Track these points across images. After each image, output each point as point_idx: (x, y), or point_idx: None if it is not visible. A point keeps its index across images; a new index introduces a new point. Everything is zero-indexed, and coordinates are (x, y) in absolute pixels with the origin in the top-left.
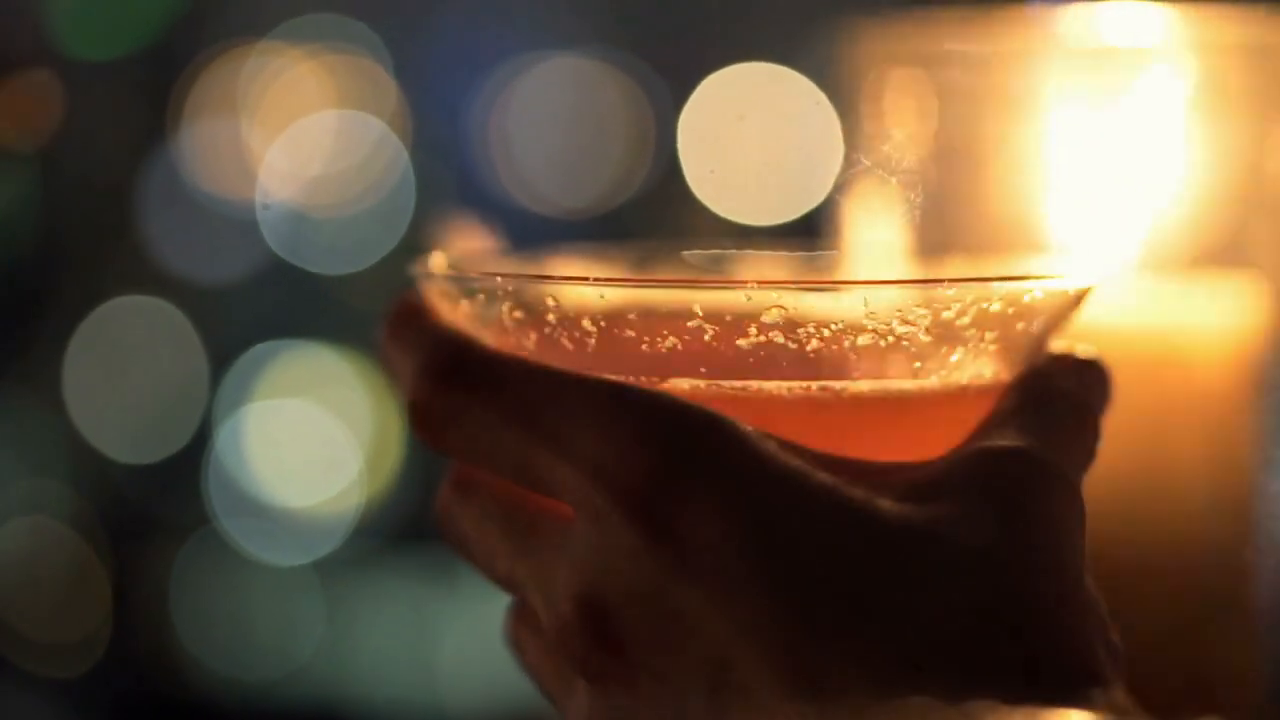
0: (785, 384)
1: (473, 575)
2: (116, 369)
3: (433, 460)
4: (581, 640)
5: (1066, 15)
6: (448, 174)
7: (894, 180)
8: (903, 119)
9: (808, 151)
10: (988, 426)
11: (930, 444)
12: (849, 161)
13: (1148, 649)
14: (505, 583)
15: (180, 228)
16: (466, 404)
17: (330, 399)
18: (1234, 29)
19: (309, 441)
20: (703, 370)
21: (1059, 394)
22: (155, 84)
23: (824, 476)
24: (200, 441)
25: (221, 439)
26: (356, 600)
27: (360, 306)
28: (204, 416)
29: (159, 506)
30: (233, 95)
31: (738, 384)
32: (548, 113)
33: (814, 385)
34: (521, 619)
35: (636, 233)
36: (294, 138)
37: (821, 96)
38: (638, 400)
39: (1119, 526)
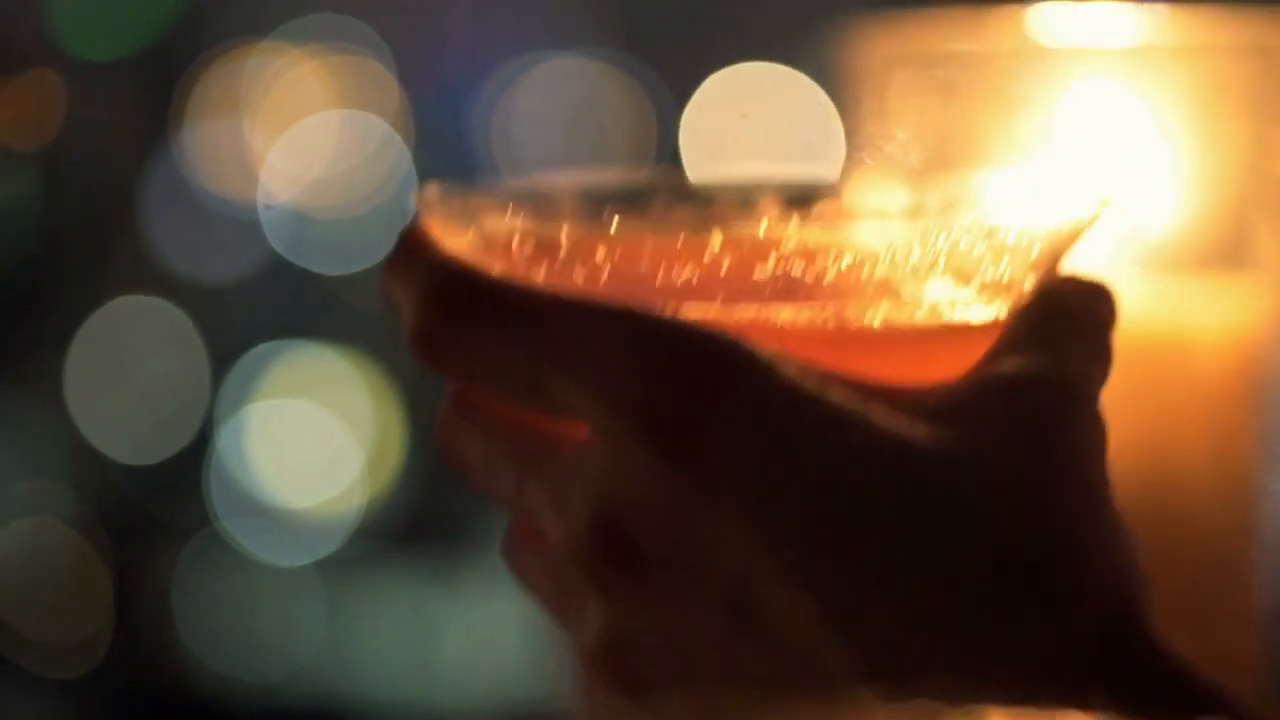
0: (800, 314)
1: (474, 575)
2: (118, 370)
3: (435, 461)
4: (596, 555)
5: (1068, 15)
6: (450, 174)
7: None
8: (905, 119)
9: (809, 151)
10: (1001, 351)
11: (945, 374)
12: (851, 161)
13: None
14: (510, 502)
15: (182, 228)
16: (474, 327)
17: (332, 399)
18: (1235, 30)
19: (311, 442)
20: (718, 302)
21: (1070, 316)
22: (157, 84)
23: (847, 398)
24: (202, 442)
25: (223, 439)
26: (358, 600)
27: (362, 307)
28: (206, 417)
29: (161, 507)
30: (235, 95)
31: (752, 314)
32: (550, 113)
33: (829, 316)
34: (523, 540)
35: None
36: (296, 138)
37: (823, 96)
38: (656, 321)
39: (1133, 525)
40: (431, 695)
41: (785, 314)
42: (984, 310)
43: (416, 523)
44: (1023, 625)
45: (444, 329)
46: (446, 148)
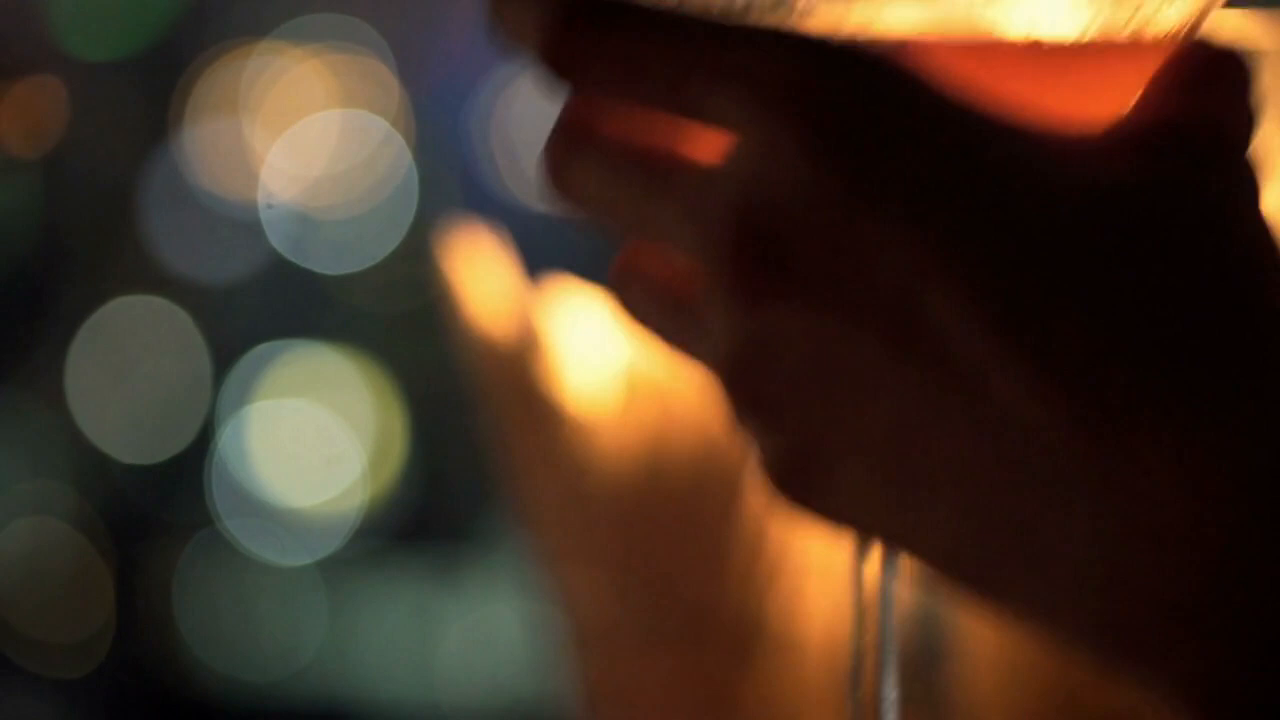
0: (947, 36)
1: (476, 574)
2: (119, 369)
3: (435, 460)
4: (741, 257)
5: None
6: (450, 173)
7: None
8: None
9: None
10: (1148, 99)
11: (1097, 105)
12: None
13: None
14: (633, 227)
15: (183, 228)
16: (616, 31)
17: (333, 399)
18: (1234, 33)
19: (312, 441)
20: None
21: (1215, 73)
22: (158, 84)
23: (1008, 117)
24: (203, 441)
25: (224, 439)
26: (359, 600)
27: (363, 306)
28: (207, 416)
29: (162, 507)
30: (235, 95)
31: (901, 39)
32: (550, 112)
33: (969, 27)
34: (634, 268)
35: None
36: (297, 137)
37: None
38: (810, 36)
39: None
40: (433, 694)
41: (934, 35)
42: (1127, 43)
43: (417, 522)
44: (1219, 353)
45: (581, 38)
46: (446, 147)
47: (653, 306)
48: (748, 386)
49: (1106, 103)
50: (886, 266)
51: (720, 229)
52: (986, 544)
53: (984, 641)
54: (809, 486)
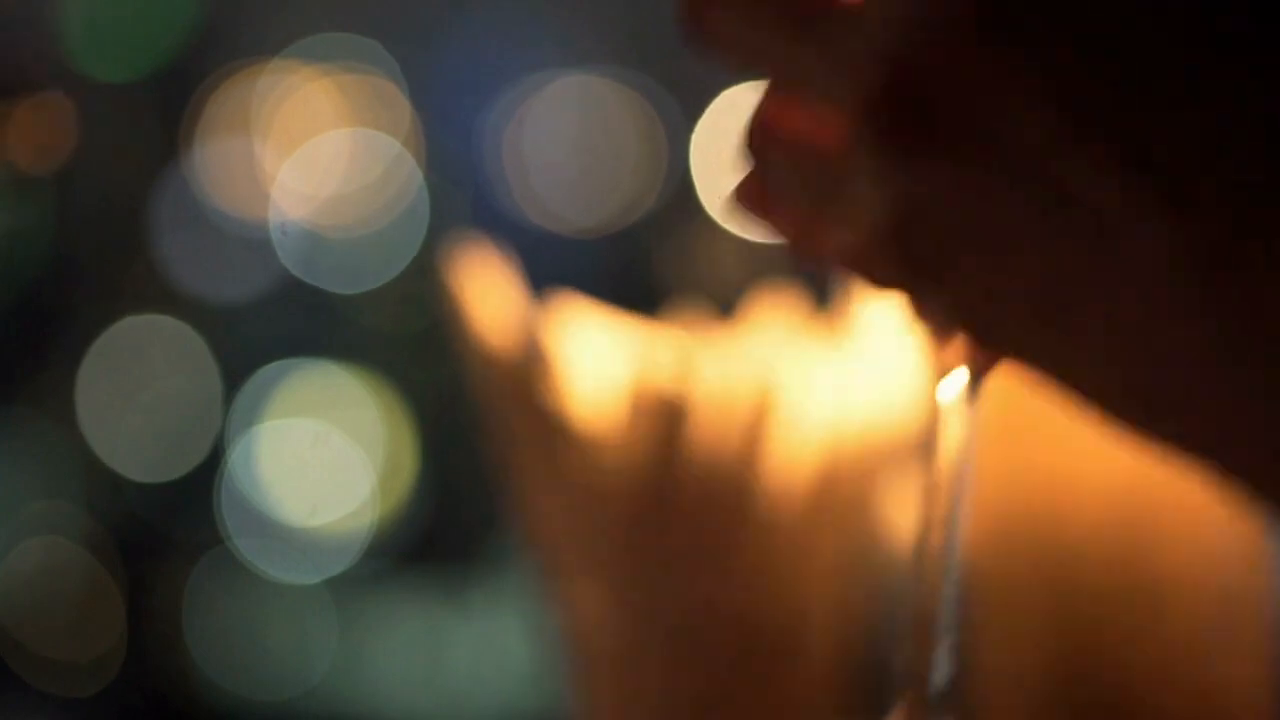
0: None
1: (485, 593)
2: (130, 388)
3: (444, 479)
4: (895, 116)
5: None
6: (461, 192)
7: None
8: None
9: None
10: None
11: None
12: None
13: (1162, 672)
14: (776, 74)
15: (194, 247)
16: None
17: (343, 418)
18: None
19: (322, 460)
20: None
21: None
22: (169, 104)
23: None
24: (214, 460)
25: (235, 458)
26: (369, 618)
27: (373, 325)
28: (217, 435)
29: (172, 525)
30: (246, 115)
31: None
32: (560, 131)
33: None
34: (772, 124)
35: (651, 250)
36: (307, 157)
37: None
38: None
39: (1129, 546)
40: (442, 712)
41: None
42: None
43: (427, 541)
44: None
45: None
46: (457, 166)
47: (793, 171)
48: (905, 247)
49: None
50: (1025, 125)
51: (869, 84)
52: (1134, 379)
53: (1000, 625)
54: (982, 338)
